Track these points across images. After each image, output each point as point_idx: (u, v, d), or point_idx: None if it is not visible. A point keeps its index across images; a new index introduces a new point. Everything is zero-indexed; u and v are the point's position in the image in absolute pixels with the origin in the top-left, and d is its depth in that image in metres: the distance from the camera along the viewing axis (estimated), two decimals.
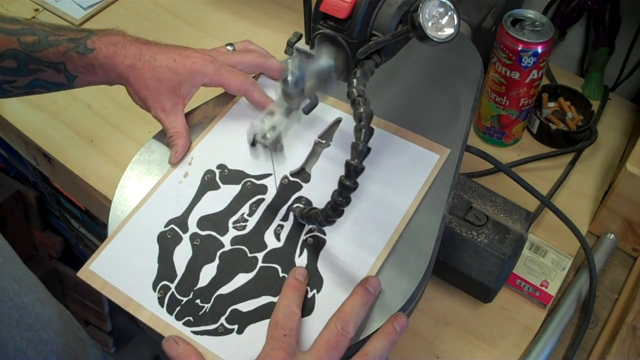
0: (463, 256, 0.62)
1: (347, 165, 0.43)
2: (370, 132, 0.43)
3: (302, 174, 0.59)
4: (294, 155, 0.60)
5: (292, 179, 0.59)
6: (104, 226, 0.77)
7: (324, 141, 0.61)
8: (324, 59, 0.51)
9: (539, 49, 0.70)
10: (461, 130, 0.60)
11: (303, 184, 0.58)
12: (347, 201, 0.45)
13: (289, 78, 0.50)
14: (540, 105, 0.83)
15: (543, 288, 0.67)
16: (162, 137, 0.63)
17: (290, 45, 0.63)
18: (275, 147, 0.54)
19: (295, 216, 0.56)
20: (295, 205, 0.57)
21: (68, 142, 0.82)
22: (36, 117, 0.85)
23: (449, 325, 0.65)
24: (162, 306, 0.52)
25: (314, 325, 0.49)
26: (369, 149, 0.43)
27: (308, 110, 0.61)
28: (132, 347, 1.59)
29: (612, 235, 0.72)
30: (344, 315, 0.48)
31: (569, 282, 0.69)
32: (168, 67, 0.60)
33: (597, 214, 0.73)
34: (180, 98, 0.61)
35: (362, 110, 0.44)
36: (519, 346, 0.64)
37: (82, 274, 0.54)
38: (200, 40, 0.94)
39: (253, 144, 0.60)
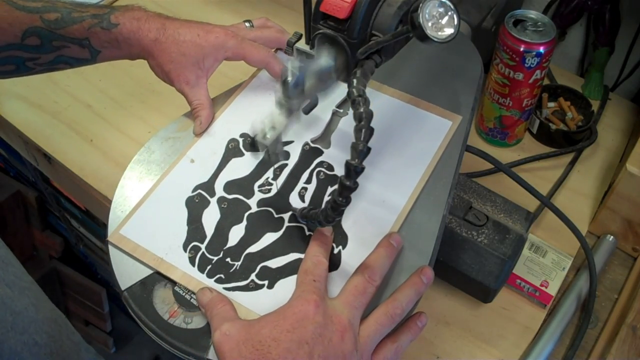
0: (463, 256, 0.62)
1: (347, 165, 0.43)
2: (371, 132, 0.43)
3: (323, 140, 0.62)
4: (314, 124, 0.62)
5: (313, 145, 0.61)
6: (104, 226, 0.77)
7: (341, 110, 0.63)
8: (324, 59, 0.51)
9: (542, 49, 0.70)
10: (461, 130, 0.61)
11: (324, 149, 0.61)
12: (347, 201, 0.45)
13: (289, 79, 0.50)
14: (540, 105, 0.83)
15: (543, 288, 0.67)
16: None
17: (290, 45, 0.63)
18: (275, 147, 0.54)
19: (318, 179, 0.58)
20: (294, 207, 0.57)
21: (68, 142, 0.82)
22: (36, 117, 0.85)
23: (449, 325, 0.65)
24: (194, 265, 0.54)
25: (341, 279, 0.51)
26: (369, 149, 0.43)
27: (308, 111, 0.61)
28: (132, 347, 1.59)
29: (612, 237, 0.72)
30: (370, 264, 0.50)
31: (569, 282, 0.69)
32: (192, 42, 0.62)
33: (597, 214, 0.73)
34: (203, 71, 0.63)
35: (362, 110, 0.44)
36: (519, 346, 0.64)
37: (112, 237, 0.56)
38: None
39: (253, 144, 0.60)
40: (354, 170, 0.43)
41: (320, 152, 0.61)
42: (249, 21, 0.69)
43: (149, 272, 0.54)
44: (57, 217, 1.45)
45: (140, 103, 0.87)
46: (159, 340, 0.51)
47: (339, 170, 0.59)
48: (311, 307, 0.46)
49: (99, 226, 1.22)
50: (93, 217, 1.21)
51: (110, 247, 0.56)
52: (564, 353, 0.64)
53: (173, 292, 0.53)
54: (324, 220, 0.48)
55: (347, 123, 0.63)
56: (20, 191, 1.45)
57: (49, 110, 0.86)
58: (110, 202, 0.59)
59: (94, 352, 0.67)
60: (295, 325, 0.45)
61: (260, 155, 0.61)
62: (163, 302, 0.53)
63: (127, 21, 0.62)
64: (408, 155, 0.59)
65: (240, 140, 0.62)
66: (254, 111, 0.64)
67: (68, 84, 0.89)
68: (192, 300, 0.53)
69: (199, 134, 0.63)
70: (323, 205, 0.48)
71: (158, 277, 0.54)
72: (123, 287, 0.54)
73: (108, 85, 0.89)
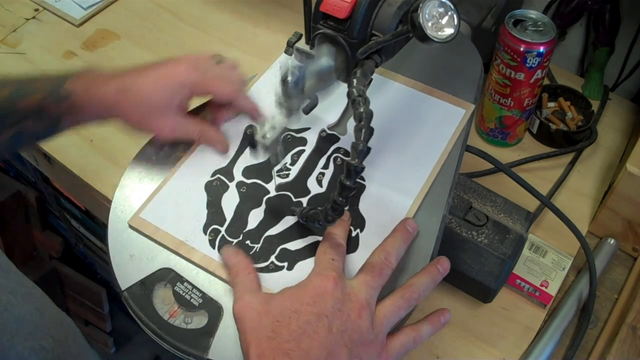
0: (463, 256, 0.62)
1: (347, 165, 0.43)
2: (371, 132, 0.43)
3: (339, 127, 0.63)
4: (330, 111, 0.63)
5: (329, 131, 0.62)
6: (104, 226, 0.77)
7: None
8: (324, 59, 0.51)
9: (543, 49, 0.70)
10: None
11: (340, 136, 0.62)
12: (347, 201, 0.45)
13: (289, 78, 0.50)
14: (540, 105, 0.83)
15: (543, 288, 0.67)
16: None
17: (290, 45, 0.63)
18: (275, 147, 0.54)
19: (335, 165, 0.60)
20: (293, 207, 0.57)
21: (68, 142, 0.82)
22: None
23: (449, 325, 0.65)
24: (214, 248, 0.55)
25: (359, 261, 0.52)
26: (369, 149, 0.43)
27: (308, 110, 0.61)
28: (132, 347, 1.59)
29: (613, 240, 0.72)
30: (387, 247, 0.51)
31: (569, 283, 0.69)
32: (154, 89, 0.58)
33: (597, 214, 0.73)
34: (178, 110, 0.60)
35: (362, 110, 0.44)
36: (519, 346, 0.64)
37: (132, 221, 0.57)
38: (200, 40, 0.94)
39: (253, 144, 0.60)
40: (354, 170, 0.43)
41: (337, 139, 0.62)
42: (218, 56, 0.65)
43: (149, 272, 0.54)
44: (57, 217, 1.45)
45: None
46: (159, 340, 0.51)
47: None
48: (330, 283, 0.47)
49: (99, 226, 1.22)
50: (93, 217, 1.21)
51: (110, 246, 0.56)
52: (564, 353, 0.64)
53: (173, 292, 0.53)
54: (324, 220, 0.48)
55: None
56: (20, 191, 1.45)
57: None
58: (110, 202, 0.59)
59: (96, 355, 0.66)
60: (315, 299, 0.46)
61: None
62: (163, 302, 0.53)
63: (79, 88, 0.58)
64: (424, 141, 0.60)
65: (258, 126, 0.63)
66: (271, 99, 0.65)
67: None
68: (192, 300, 0.53)
69: (227, 151, 0.61)
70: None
71: (158, 277, 0.54)
72: (123, 287, 0.54)
73: None
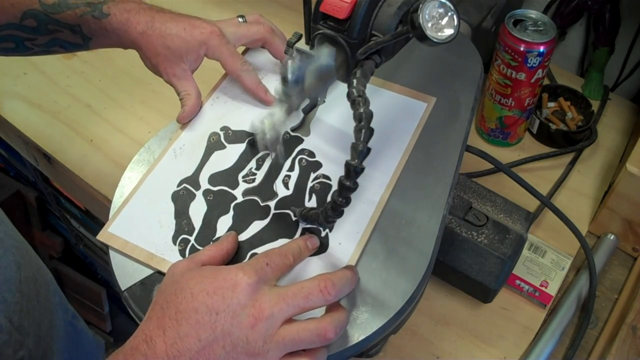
0: (463, 256, 0.62)
1: (347, 165, 0.43)
2: (371, 132, 0.43)
3: (302, 128, 0.62)
4: (293, 113, 0.62)
5: (293, 134, 0.62)
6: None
7: (319, 98, 0.64)
8: (324, 59, 0.51)
9: (543, 49, 0.70)
10: (461, 130, 0.61)
11: (304, 137, 0.62)
12: (347, 201, 0.45)
13: (289, 78, 0.50)
14: (540, 105, 0.83)
15: (543, 288, 0.67)
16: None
17: (290, 45, 0.63)
18: (275, 147, 0.54)
19: (300, 166, 0.59)
20: (293, 207, 0.57)
21: (68, 142, 0.82)
22: (36, 117, 0.85)
23: (449, 325, 0.65)
24: (184, 257, 0.54)
25: (328, 261, 0.52)
26: (369, 150, 0.43)
27: (308, 110, 0.61)
28: None
29: (613, 236, 0.72)
30: (332, 277, 0.47)
31: (569, 282, 0.69)
32: (177, 35, 0.63)
33: (597, 214, 0.73)
34: (187, 65, 0.64)
35: (362, 110, 0.44)
36: (519, 346, 0.64)
37: (101, 236, 0.56)
38: None
39: (253, 144, 0.61)
40: (353, 171, 0.43)
41: (301, 140, 0.61)
42: (242, 16, 0.70)
43: (149, 272, 0.54)
44: (57, 217, 1.45)
45: (140, 103, 0.87)
46: None
47: (320, 157, 0.60)
48: (243, 282, 0.45)
49: (99, 226, 1.22)
50: (93, 217, 1.21)
51: (110, 247, 0.56)
52: (564, 353, 0.64)
53: None
54: (324, 220, 0.48)
55: (324, 111, 0.64)
56: (20, 191, 1.45)
57: (49, 110, 0.86)
58: (110, 202, 0.59)
59: (73, 314, 0.67)
60: (217, 292, 0.45)
61: (241, 147, 0.61)
62: None
63: (118, 12, 0.63)
64: (388, 136, 0.60)
65: (222, 133, 0.63)
66: (233, 104, 0.65)
67: (68, 84, 0.89)
68: None
69: (183, 123, 0.63)
70: (326, 193, 0.48)
71: (158, 277, 0.54)
72: (123, 287, 0.54)
73: (108, 85, 0.89)
